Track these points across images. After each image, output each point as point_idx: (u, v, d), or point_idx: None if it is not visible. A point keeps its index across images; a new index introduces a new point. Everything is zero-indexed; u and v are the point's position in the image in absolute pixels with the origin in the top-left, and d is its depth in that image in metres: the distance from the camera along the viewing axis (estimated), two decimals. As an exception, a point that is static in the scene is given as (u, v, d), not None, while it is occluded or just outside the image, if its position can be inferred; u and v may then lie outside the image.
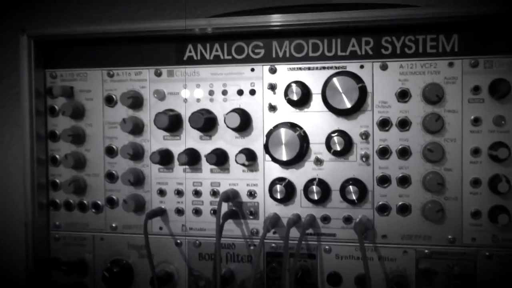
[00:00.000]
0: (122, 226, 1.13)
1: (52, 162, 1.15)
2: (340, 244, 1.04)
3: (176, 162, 1.09)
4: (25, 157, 1.13)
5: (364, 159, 1.01)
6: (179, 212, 1.10)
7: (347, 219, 1.03)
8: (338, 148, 1.00)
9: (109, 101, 1.12)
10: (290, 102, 1.03)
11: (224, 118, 1.03)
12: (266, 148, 1.03)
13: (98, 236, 1.14)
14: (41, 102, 1.15)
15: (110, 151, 1.12)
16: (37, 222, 1.14)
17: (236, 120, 1.02)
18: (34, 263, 1.13)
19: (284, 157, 1.01)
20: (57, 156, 1.15)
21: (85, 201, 1.14)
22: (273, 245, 1.06)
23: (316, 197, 1.01)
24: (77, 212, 1.15)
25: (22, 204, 1.14)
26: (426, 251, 1.00)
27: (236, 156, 1.03)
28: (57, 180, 1.15)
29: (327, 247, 1.04)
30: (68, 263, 1.12)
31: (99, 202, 1.13)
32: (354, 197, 1.00)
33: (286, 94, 1.02)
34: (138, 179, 1.10)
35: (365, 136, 1.01)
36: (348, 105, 0.99)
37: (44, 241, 1.16)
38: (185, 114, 1.08)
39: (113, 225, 1.13)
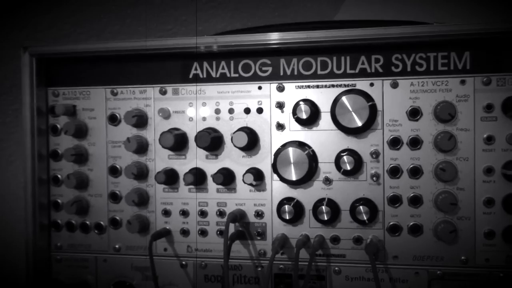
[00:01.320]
0: (125, 247, 1.10)
1: (54, 182, 1.13)
2: (350, 265, 1.02)
3: (181, 182, 1.07)
4: (26, 176, 1.10)
5: (374, 178, 0.99)
6: (185, 232, 1.07)
7: (357, 240, 1.01)
8: (348, 168, 0.98)
9: (113, 119, 1.10)
10: (299, 120, 1.01)
11: (231, 137, 1.01)
12: (274, 167, 1.01)
13: (101, 258, 1.11)
14: (43, 121, 1.12)
15: (114, 171, 1.10)
16: (38, 243, 1.11)
17: (243, 139, 1.00)
18: (35, 285, 1.10)
19: (293, 177, 0.99)
20: (59, 176, 1.12)
21: (87, 222, 1.11)
22: (281, 266, 1.04)
23: (325, 218, 0.99)
24: (80, 233, 1.12)
25: (22, 223, 1.11)
26: (439, 272, 0.98)
27: (243, 176, 1.01)
28: (59, 201, 1.13)
29: (336, 268, 1.02)
30: (70, 285, 1.09)
31: (102, 223, 1.11)
32: (364, 218, 0.98)
33: (294, 112, 1.00)
34: (142, 199, 1.08)
35: (376, 155, 0.99)
36: (359, 123, 0.97)
37: (45, 263, 1.13)
38: (191, 133, 1.06)
39: (117, 246, 1.11)
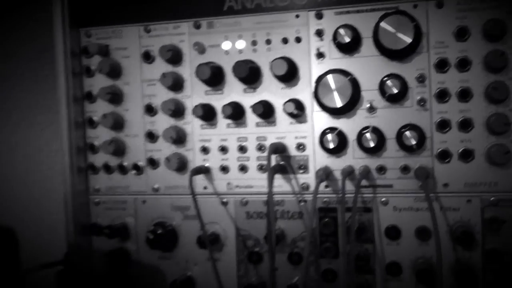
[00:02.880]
0: (164, 188, 1.08)
1: (89, 124, 1.11)
2: (398, 195, 0.98)
3: (219, 118, 1.04)
4: (61, 120, 1.08)
5: (421, 103, 0.95)
6: (224, 169, 1.05)
7: (405, 169, 0.97)
8: (394, 91, 0.94)
9: (147, 57, 1.07)
10: (340, 46, 0.97)
11: (270, 65, 0.98)
12: (316, 95, 0.97)
13: (140, 199, 1.09)
14: (77, 63, 1.10)
15: (150, 110, 1.07)
16: (76, 187, 1.09)
17: (283, 67, 0.96)
18: (75, 230, 1.09)
19: (336, 104, 0.96)
20: (95, 118, 1.11)
21: (125, 163, 1.09)
22: (325, 199, 1.00)
23: (371, 145, 0.95)
24: (117, 174, 1.10)
25: (59, 168, 1.09)
26: (492, 198, 0.94)
27: (284, 105, 0.98)
28: (95, 143, 1.11)
29: (383, 199, 0.98)
30: (109, 227, 1.08)
31: (139, 163, 1.09)
32: (413, 142, 0.94)
33: (335, 38, 0.96)
34: (180, 137, 1.05)
35: (421, 79, 0.95)
36: (405, 42, 0.92)
37: (84, 207, 1.11)
38: (227, 67, 1.03)
39: (155, 186, 1.08)
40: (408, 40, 0.92)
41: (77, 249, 1.09)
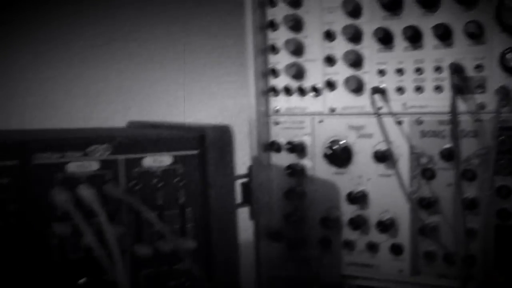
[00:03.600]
0: (341, 108, 1.16)
1: (271, 50, 1.21)
2: None
3: (396, 41, 1.10)
4: (248, 47, 1.20)
5: None
6: (400, 90, 1.11)
7: None
8: None
9: (326, -15, 1.15)
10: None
11: (453, -13, 1.02)
12: (498, 16, 0.99)
13: (317, 119, 1.19)
14: (258, -5, 1.21)
15: (329, 35, 1.15)
16: (259, 109, 1.21)
17: (467, -13, 1.00)
18: (258, 147, 1.21)
19: (520, 22, 0.98)
20: (276, 44, 1.21)
21: (304, 86, 1.19)
22: (502, 118, 1.03)
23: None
24: (296, 96, 1.20)
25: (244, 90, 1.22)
26: None
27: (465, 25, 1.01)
28: (277, 67, 1.21)
29: None
30: (290, 143, 1.19)
31: (318, 86, 1.18)
32: None
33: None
34: (357, 60, 1.12)
35: None
36: None
37: (264, 126, 1.23)
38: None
39: (332, 107, 1.17)
40: None
41: (258, 163, 1.21)
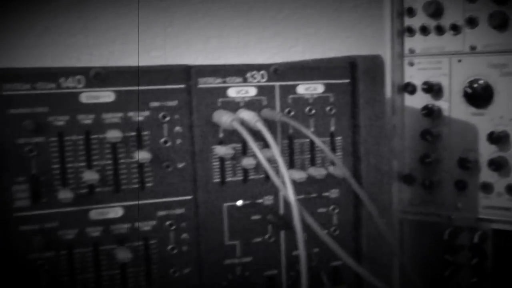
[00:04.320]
0: (482, 46, 1.13)
1: (408, -8, 1.20)
2: None
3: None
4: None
5: None
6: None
7: None
8: None
9: None
10: None
11: None
12: None
13: (456, 58, 1.16)
14: None
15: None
16: (394, 50, 1.20)
17: None
18: (392, 88, 1.21)
19: None
20: (413, -14, 1.19)
21: (442, 24, 1.16)
22: None
23: None
24: (433, 35, 1.18)
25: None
26: None
27: None
28: (413, 6, 1.19)
29: None
30: (426, 83, 1.17)
31: (457, 24, 1.15)
32: None
33: None
34: (502, -5, 1.08)
35: None
36: None
37: (399, 68, 1.22)
38: None
39: (472, 45, 1.14)
40: None
41: (392, 105, 1.21)
